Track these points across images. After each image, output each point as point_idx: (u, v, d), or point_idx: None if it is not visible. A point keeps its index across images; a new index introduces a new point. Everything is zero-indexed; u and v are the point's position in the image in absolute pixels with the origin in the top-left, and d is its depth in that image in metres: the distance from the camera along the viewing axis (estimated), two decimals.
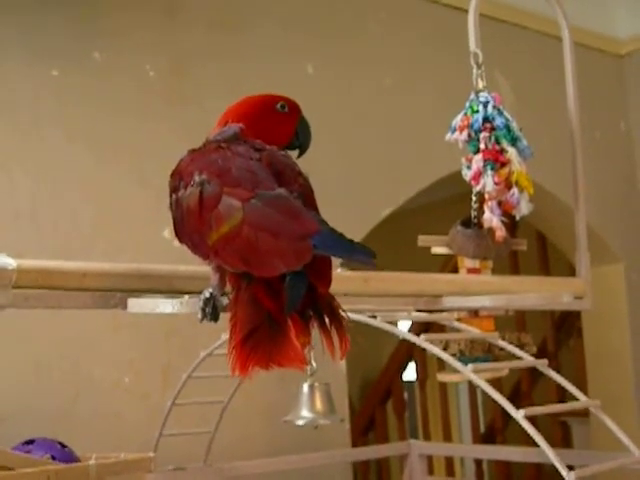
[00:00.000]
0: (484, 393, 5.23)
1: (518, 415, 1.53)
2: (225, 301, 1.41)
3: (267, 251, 1.20)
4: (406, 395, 5.84)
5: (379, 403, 5.22)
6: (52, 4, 2.75)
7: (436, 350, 1.74)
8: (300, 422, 2.29)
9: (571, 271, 4.49)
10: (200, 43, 3.04)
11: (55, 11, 2.75)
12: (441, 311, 2.18)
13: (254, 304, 1.24)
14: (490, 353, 2.27)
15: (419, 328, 4.46)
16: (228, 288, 1.40)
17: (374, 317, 1.80)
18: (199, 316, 1.43)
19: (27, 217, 2.62)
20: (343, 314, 1.27)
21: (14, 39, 2.68)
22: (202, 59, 3.03)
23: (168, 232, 2.78)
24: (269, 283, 1.23)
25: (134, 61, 2.89)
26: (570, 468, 1.52)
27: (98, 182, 2.76)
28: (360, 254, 1.21)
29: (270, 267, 1.20)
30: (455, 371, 2.13)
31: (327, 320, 1.24)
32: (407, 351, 5.06)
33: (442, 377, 2.30)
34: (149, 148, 2.85)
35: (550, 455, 1.45)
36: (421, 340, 1.72)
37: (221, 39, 3.09)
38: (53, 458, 1.91)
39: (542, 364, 1.80)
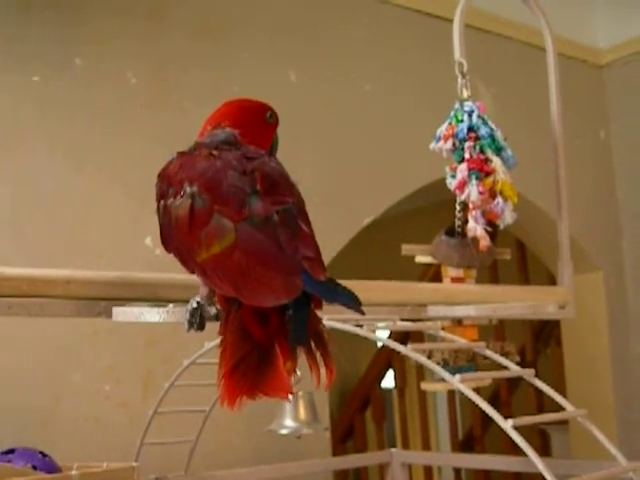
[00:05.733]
0: (462, 401, 5.20)
1: (507, 425, 1.53)
2: (213, 310, 1.40)
3: (258, 281, 1.19)
4: None
5: (358, 411, 5.21)
6: (34, 9, 2.72)
7: (423, 360, 1.73)
8: (284, 431, 2.29)
9: (550, 279, 4.54)
10: (182, 50, 3.02)
11: (36, 17, 2.73)
12: (425, 320, 2.17)
13: (243, 331, 1.23)
14: (473, 362, 2.27)
15: (398, 337, 4.46)
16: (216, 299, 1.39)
17: (360, 326, 1.79)
18: (185, 326, 1.42)
19: (7, 225, 2.60)
20: (328, 339, 1.26)
21: None
22: (185, 66, 3.02)
23: (150, 240, 2.77)
24: (258, 309, 1.22)
25: (116, 67, 2.87)
26: None
27: (79, 189, 2.73)
28: (343, 298, 1.21)
29: (261, 298, 1.20)
30: (439, 380, 2.13)
31: (314, 346, 1.23)
32: (386, 359, 5.06)
33: (426, 386, 2.30)
34: (131, 155, 2.83)
35: (539, 466, 1.45)
36: (408, 349, 1.71)
37: (204, 46, 3.08)
38: (34, 468, 1.89)
39: (529, 374, 1.80)
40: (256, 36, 3.22)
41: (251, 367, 1.20)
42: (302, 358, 1.23)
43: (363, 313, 1.21)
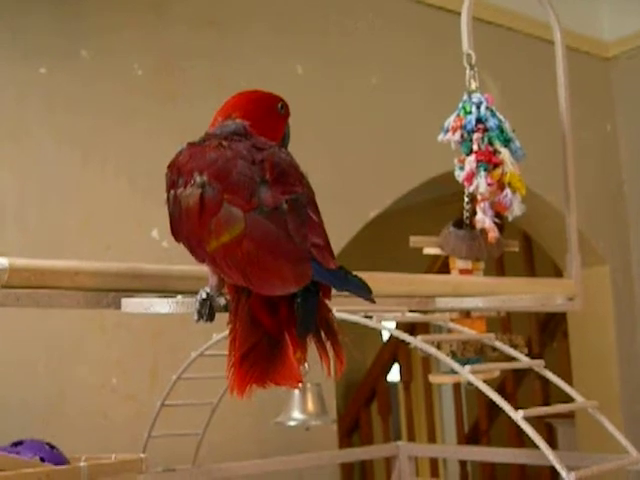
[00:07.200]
0: (468, 394, 5.16)
1: (517, 416, 1.52)
2: (222, 301, 1.40)
3: (267, 269, 1.19)
4: None
5: (364, 404, 5.20)
6: (39, 2, 2.72)
7: (433, 351, 1.73)
8: (292, 423, 2.28)
9: (556, 272, 4.53)
10: (189, 42, 3.02)
11: (43, 9, 2.72)
12: (434, 312, 2.17)
13: (252, 319, 1.23)
14: (482, 354, 2.27)
15: (404, 329, 4.45)
16: (226, 289, 1.38)
17: (369, 317, 1.78)
18: (195, 317, 1.42)
19: (13, 216, 2.59)
20: (338, 328, 1.25)
21: (1, 36, 2.65)
22: (191, 58, 3.01)
23: (157, 232, 2.76)
24: (267, 298, 1.22)
25: (122, 60, 2.87)
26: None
27: (85, 181, 2.73)
28: (353, 286, 1.20)
29: (270, 286, 1.20)
30: (449, 372, 2.13)
31: (323, 335, 1.22)
32: (391, 353, 5.05)
33: (434, 379, 2.29)
34: (137, 147, 2.83)
35: (550, 457, 1.44)
36: (417, 341, 1.71)
37: (210, 38, 3.07)
38: (42, 460, 1.88)
39: (538, 364, 1.80)
40: (263, 29, 3.22)
41: (261, 355, 1.20)
42: (311, 350, 1.23)
43: (374, 301, 1.20)
